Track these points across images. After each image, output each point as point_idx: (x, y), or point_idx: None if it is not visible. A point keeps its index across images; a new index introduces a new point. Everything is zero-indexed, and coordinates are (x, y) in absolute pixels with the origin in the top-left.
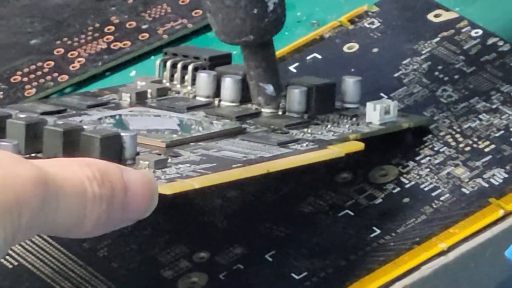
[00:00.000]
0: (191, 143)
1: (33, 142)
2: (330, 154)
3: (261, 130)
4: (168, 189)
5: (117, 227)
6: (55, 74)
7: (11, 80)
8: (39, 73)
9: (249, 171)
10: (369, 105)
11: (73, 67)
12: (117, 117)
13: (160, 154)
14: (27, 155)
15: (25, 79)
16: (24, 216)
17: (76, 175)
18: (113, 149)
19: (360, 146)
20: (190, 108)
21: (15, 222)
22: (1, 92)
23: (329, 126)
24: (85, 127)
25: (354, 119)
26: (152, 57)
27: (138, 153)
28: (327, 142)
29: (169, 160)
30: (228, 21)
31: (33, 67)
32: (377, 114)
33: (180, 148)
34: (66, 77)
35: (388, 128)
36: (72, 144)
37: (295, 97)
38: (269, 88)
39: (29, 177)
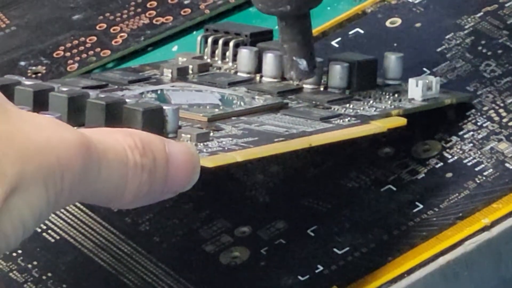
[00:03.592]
0: (233, 118)
1: (76, 115)
2: (372, 129)
3: (303, 105)
4: (210, 162)
5: (158, 199)
6: (98, 49)
7: (54, 55)
8: (81, 48)
9: (291, 145)
10: (411, 81)
11: (115, 42)
12: (158, 91)
13: (202, 128)
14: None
15: (68, 54)
16: (67, 179)
17: (119, 143)
18: (155, 122)
19: (403, 121)
20: (232, 84)
21: (58, 185)
22: (44, 67)
23: (371, 102)
24: (127, 100)
25: (396, 95)
26: (194, 32)
27: (180, 127)
28: (369, 117)
29: (211, 133)
30: None
31: (75, 42)
32: (419, 90)
33: (222, 122)
34: (108, 52)
35: (431, 105)
36: (115, 117)
37: (337, 72)
38: (303, 63)
39: (72, 141)
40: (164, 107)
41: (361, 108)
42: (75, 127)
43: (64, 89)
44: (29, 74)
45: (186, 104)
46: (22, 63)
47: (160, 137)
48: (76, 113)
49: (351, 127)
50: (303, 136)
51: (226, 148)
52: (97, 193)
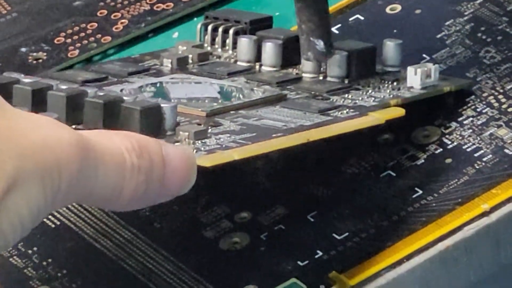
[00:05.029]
0: (232, 112)
1: (74, 114)
2: (370, 121)
3: (302, 96)
4: (207, 161)
5: (155, 202)
6: (98, 36)
7: (55, 41)
8: (82, 34)
9: (289, 141)
10: (410, 69)
11: (116, 28)
12: (158, 85)
13: (200, 124)
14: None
15: (69, 40)
16: (64, 178)
17: (116, 145)
18: (153, 120)
19: (401, 112)
20: (231, 74)
21: (55, 183)
22: (45, 53)
23: (369, 91)
24: (125, 98)
25: (395, 83)
26: (195, 19)
27: (178, 123)
28: (368, 108)
29: (209, 130)
30: None
31: (76, 28)
32: (418, 79)
33: (221, 117)
34: (109, 38)
35: (429, 93)
36: (113, 115)
37: (336, 62)
38: (320, 44)
39: (70, 140)
40: (162, 105)
41: (360, 99)
42: (74, 126)
43: (63, 87)
44: (30, 61)
45: (185, 98)
46: (23, 49)
47: (157, 140)
48: (74, 112)
49: (349, 119)
50: (301, 131)
51: (224, 145)
52: (94, 194)
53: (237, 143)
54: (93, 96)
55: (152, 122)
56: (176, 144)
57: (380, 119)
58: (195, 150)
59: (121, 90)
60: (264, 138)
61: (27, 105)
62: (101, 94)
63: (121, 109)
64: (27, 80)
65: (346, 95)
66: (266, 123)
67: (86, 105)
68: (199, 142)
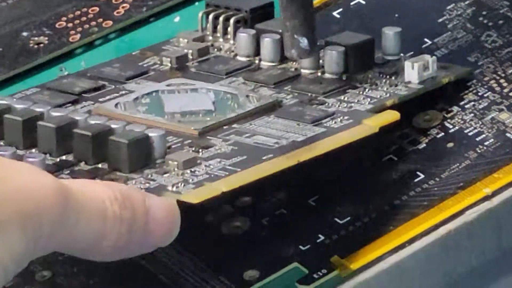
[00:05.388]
0: (225, 127)
1: (64, 144)
2: (362, 132)
3: (296, 102)
4: (194, 198)
5: (137, 253)
6: (100, 20)
7: (56, 25)
8: (83, 18)
9: (279, 165)
10: (407, 64)
11: (117, 12)
12: (153, 94)
13: (192, 146)
14: (58, 158)
15: (70, 24)
16: (45, 225)
17: (98, 193)
18: (141, 151)
19: (396, 116)
20: (229, 73)
21: (36, 230)
22: (46, 38)
23: (366, 90)
24: (114, 126)
25: (393, 77)
26: (196, 3)
27: (169, 147)
28: (362, 114)
29: (200, 154)
30: None
31: (77, 13)
32: (415, 73)
33: (213, 134)
34: (110, 22)
35: (427, 88)
36: (101, 146)
37: (333, 58)
38: (304, 42)
39: (51, 188)
40: (150, 134)
41: (356, 101)
42: (64, 157)
43: (54, 114)
44: (31, 45)
45: (179, 111)
46: (25, 33)
47: (140, 191)
48: (64, 142)
49: (343, 130)
50: (291, 151)
51: (212, 174)
52: (75, 242)
53: (226, 171)
54: (82, 127)
55: (141, 154)
56: (165, 175)
57: (374, 127)
58: (183, 184)
59: (116, 105)
60: (254, 161)
61: (18, 136)
62: (91, 123)
63: (109, 142)
64: (19, 106)
65: (342, 97)
66: (259, 140)
67: (75, 137)
68: (188, 171)
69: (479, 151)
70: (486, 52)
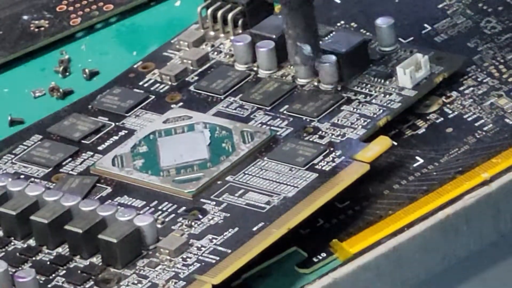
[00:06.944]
0: (218, 182)
1: (58, 237)
2: (355, 173)
3: (291, 132)
4: None
5: None
6: (101, 4)
7: (57, 9)
8: (84, 2)
9: (268, 241)
10: (399, 69)
11: None
12: (151, 137)
13: (185, 217)
14: (53, 248)
15: (71, 8)
16: None
17: None
18: (132, 244)
19: (388, 144)
20: (227, 91)
21: None
22: (47, 21)
23: (360, 104)
24: (103, 214)
25: (388, 81)
26: None
27: (162, 222)
28: (355, 145)
29: (192, 228)
30: None
31: None
32: (407, 78)
33: (206, 195)
34: (111, 6)
35: (421, 93)
36: (93, 241)
37: (327, 70)
38: (307, 48)
39: None
40: (140, 224)
41: (349, 124)
42: (61, 250)
43: (48, 198)
44: (32, 28)
45: (174, 166)
46: (25, 17)
47: None
48: (57, 235)
49: (334, 174)
50: (282, 214)
51: (203, 262)
52: None
53: (217, 255)
54: (72, 224)
55: (132, 246)
56: (157, 268)
57: (365, 166)
58: (174, 282)
59: (114, 160)
60: (245, 237)
61: (14, 226)
62: (83, 214)
63: (100, 241)
64: (14, 190)
65: (336, 119)
66: (251, 199)
67: (67, 234)
68: (180, 259)
69: (478, 136)
70: (485, 38)
